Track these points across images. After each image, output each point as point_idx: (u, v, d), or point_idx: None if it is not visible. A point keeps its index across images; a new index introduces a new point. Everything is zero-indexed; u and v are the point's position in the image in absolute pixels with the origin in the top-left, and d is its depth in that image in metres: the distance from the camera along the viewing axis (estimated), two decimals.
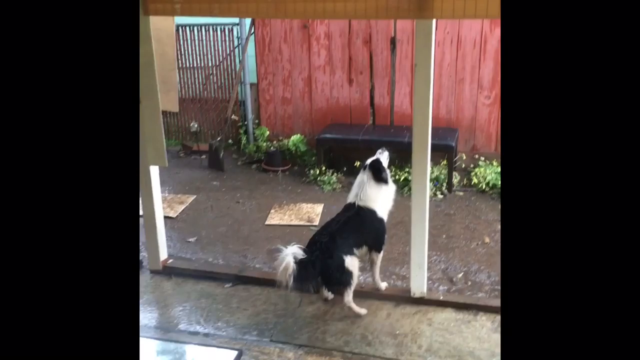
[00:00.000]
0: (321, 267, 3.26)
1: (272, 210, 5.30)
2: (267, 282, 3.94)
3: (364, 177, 3.61)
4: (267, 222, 5.05)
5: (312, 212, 5.22)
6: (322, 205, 5.38)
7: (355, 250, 3.43)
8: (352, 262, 3.39)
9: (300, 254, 3.17)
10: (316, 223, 4.96)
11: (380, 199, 3.60)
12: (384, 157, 3.76)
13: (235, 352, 3.22)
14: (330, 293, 3.47)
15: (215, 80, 7.05)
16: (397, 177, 5.72)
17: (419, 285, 3.63)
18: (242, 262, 4.36)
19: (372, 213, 3.54)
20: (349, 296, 3.45)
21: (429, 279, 3.82)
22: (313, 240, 3.40)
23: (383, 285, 3.74)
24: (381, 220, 3.59)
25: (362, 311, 3.50)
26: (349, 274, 3.37)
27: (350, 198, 3.61)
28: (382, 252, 3.65)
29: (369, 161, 3.71)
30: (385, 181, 3.62)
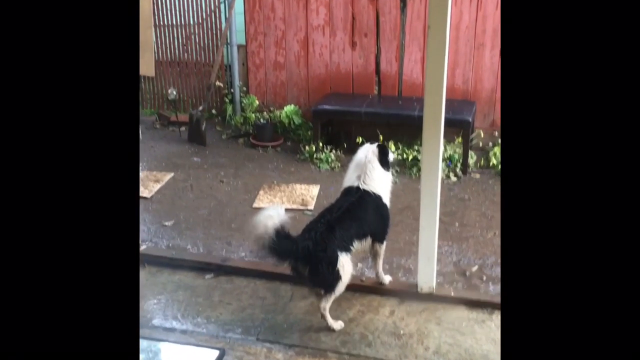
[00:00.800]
0: (311, 259, 3.24)
1: (261, 192, 5.30)
2: (254, 273, 3.95)
3: (367, 156, 3.58)
4: (254, 205, 5.05)
5: (307, 195, 5.22)
6: (319, 186, 5.38)
7: (355, 244, 3.40)
8: (345, 263, 3.32)
9: (282, 219, 3.14)
10: (311, 207, 4.96)
11: (385, 182, 3.59)
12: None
13: (217, 352, 3.23)
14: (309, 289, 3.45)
15: (197, 41, 6.99)
16: (404, 155, 5.72)
17: (427, 279, 3.65)
18: (226, 249, 4.37)
19: (377, 198, 3.52)
20: (326, 302, 3.36)
21: (438, 272, 3.84)
22: (308, 227, 3.39)
23: (387, 279, 3.75)
24: (386, 206, 3.58)
25: (337, 325, 3.41)
26: (336, 276, 3.30)
27: (351, 181, 3.58)
28: (385, 243, 3.65)
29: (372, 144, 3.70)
30: (389, 166, 3.63)
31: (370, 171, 3.53)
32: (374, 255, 3.66)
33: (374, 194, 3.50)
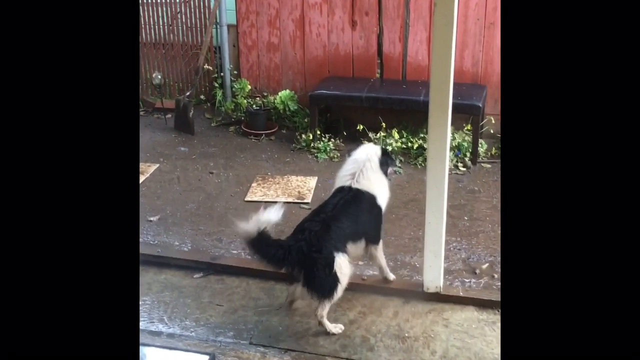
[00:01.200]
0: (306, 262, 3.22)
1: (254, 184, 5.30)
2: (247, 272, 3.96)
3: (367, 154, 3.60)
4: (247, 198, 5.05)
5: (304, 187, 5.23)
6: (316, 178, 5.38)
7: (350, 245, 3.39)
8: (342, 264, 3.31)
9: (264, 224, 3.13)
10: (308, 200, 4.96)
11: (381, 184, 3.61)
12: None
13: (207, 357, 3.24)
14: (302, 293, 3.41)
15: (183, 21, 6.96)
16: (409, 144, 5.71)
17: (434, 277, 3.66)
18: (216, 246, 4.37)
19: (372, 198, 3.53)
20: (323, 309, 3.35)
21: (446, 270, 3.85)
22: (301, 227, 3.37)
23: (391, 276, 3.77)
24: (380, 208, 3.59)
25: (336, 329, 3.41)
26: (334, 280, 3.28)
27: (344, 179, 3.56)
28: (380, 244, 3.67)
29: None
30: (387, 172, 3.65)
31: (367, 170, 3.53)
32: (371, 258, 3.67)
33: (369, 193, 3.51)
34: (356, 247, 3.48)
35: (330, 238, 3.28)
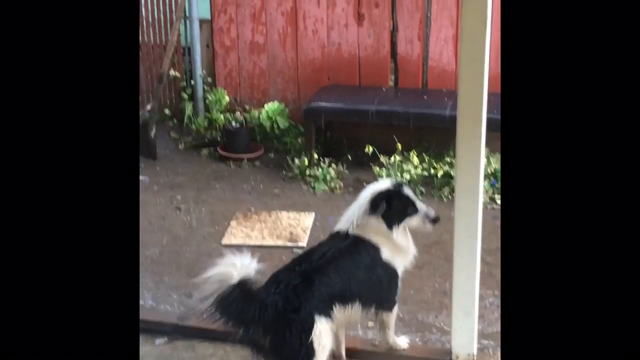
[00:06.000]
0: (278, 323, 3.17)
1: (233, 222, 5.30)
2: (224, 337, 3.93)
3: (369, 191, 3.57)
4: (224, 241, 5.05)
5: (297, 226, 5.23)
6: (313, 215, 5.38)
7: (336, 309, 3.33)
8: (322, 332, 3.24)
9: (250, 272, 3.12)
10: (303, 243, 4.95)
11: (383, 233, 3.52)
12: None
13: None
14: None
15: (144, 14, 7.01)
16: (432, 171, 5.72)
17: (466, 342, 3.65)
18: (185, 304, 4.36)
19: (373, 250, 3.48)
20: None
21: (480, 333, 3.84)
22: (277, 278, 3.32)
23: (402, 341, 3.74)
24: (387, 264, 3.53)
25: None
26: (309, 350, 3.20)
27: (345, 223, 3.55)
28: (395, 310, 3.64)
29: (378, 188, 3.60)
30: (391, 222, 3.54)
31: (365, 214, 3.49)
32: (381, 325, 3.64)
33: (370, 243, 3.48)
34: (346, 312, 3.41)
35: (311, 296, 3.23)
